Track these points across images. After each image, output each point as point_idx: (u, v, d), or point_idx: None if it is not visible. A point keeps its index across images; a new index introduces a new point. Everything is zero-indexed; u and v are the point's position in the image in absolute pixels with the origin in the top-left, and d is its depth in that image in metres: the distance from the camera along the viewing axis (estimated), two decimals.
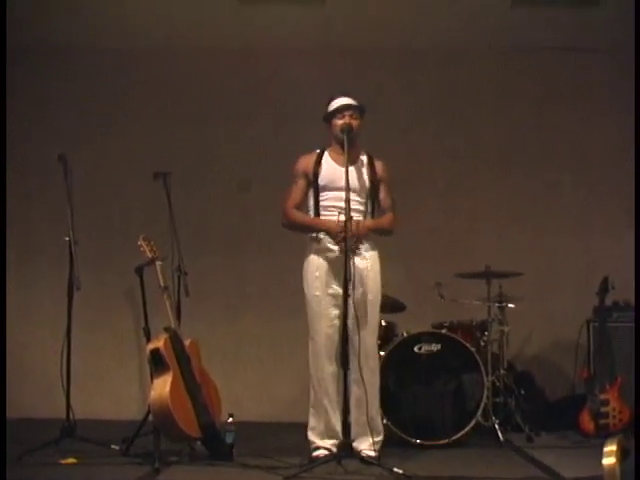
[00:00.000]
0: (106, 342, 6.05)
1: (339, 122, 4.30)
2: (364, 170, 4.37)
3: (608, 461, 1.88)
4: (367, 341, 4.21)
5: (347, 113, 4.30)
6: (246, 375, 6.02)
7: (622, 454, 1.89)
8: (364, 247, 4.28)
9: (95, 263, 5.72)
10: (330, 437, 4.23)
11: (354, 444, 4.13)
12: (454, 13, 5.71)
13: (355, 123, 4.28)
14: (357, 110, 4.33)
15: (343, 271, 3.95)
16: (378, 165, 4.42)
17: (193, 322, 4.81)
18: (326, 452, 4.17)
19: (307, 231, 4.34)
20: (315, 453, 4.19)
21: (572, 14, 5.70)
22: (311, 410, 4.29)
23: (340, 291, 4.08)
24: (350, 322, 3.99)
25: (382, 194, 4.41)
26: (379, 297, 4.35)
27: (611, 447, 1.91)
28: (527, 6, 5.60)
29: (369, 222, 4.30)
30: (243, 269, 6.18)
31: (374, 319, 4.32)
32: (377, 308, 4.34)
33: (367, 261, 4.28)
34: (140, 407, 5.34)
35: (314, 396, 4.26)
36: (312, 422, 4.28)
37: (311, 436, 4.28)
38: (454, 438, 4.73)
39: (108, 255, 6.05)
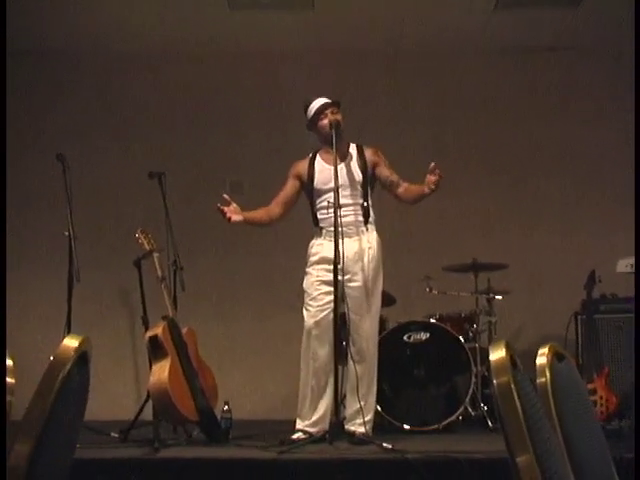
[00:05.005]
0: (102, 341, 6.10)
1: (324, 122, 4.70)
2: (354, 163, 4.74)
3: (541, 379, 1.69)
4: (366, 326, 4.61)
5: (327, 111, 4.71)
6: (240, 373, 6.30)
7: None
8: (370, 230, 4.69)
9: (90, 262, 5.79)
10: (307, 418, 4.57)
11: (346, 425, 4.51)
12: (439, 15, 6.16)
13: (339, 117, 4.69)
14: (335, 105, 4.74)
15: (339, 257, 4.34)
16: (368, 151, 4.79)
17: (187, 319, 5.06)
18: (301, 435, 4.50)
19: None
20: (293, 436, 4.52)
21: (554, 14, 6.13)
22: (300, 391, 4.64)
23: (339, 278, 4.41)
24: (349, 305, 4.45)
25: (385, 173, 4.75)
26: (380, 283, 4.72)
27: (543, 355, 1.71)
28: (510, 8, 6.03)
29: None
30: (237, 267, 6.54)
31: (375, 305, 4.69)
32: (378, 294, 4.72)
33: (370, 249, 4.66)
34: (136, 407, 5.50)
35: (303, 377, 4.62)
36: (299, 404, 4.63)
37: (298, 418, 4.63)
38: (444, 424, 5.08)
39: (104, 254, 6.38)
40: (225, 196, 4.60)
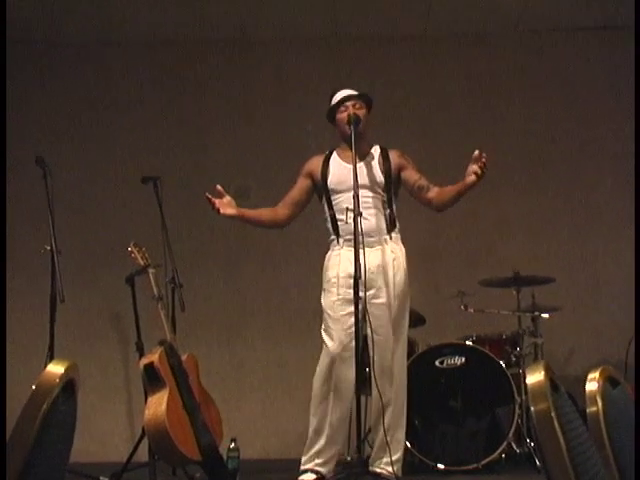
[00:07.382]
0: (89, 371, 6.19)
1: (343, 115, 4.70)
2: (375, 164, 4.75)
3: (591, 408, 1.69)
4: (392, 349, 4.57)
5: (349, 104, 4.71)
6: (248, 406, 6.33)
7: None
8: (394, 239, 4.69)
9: (76, 280, 5.94)
10: (321, 457, 4.54)
11: (371, 465, 4.53)
12: None
13: (361, 113, 4.68)
14: (361, 99, 4.75)
15: (360, 272, 4.26)
16: (393, 154, 4.79)
17: (188, 344, 5.10)
18: (312, 476, 4.51)
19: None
20: (302, 477, 4.53)
21: None
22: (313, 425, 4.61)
23: (361, 295, 4.34)
24: (372, 325, 4.40)
25: (413, 176, 4.74)
26: (407, 300, 4.70)
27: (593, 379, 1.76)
28: None
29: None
30: (244, 284, 6.54)
31: (402, 324, 4.66)
32: (405, 312, 4.69)
33: (395, 260, 4.64)
34: (129, 448, 5.40)
35: (321, 410, 4.55)
36: (309, 440, 4.61)
37: (303, 458, 4.62)
38: (483, 462, 5.06)
39: (91, 271, 6.43)
40: (219, 187, 4.57)
